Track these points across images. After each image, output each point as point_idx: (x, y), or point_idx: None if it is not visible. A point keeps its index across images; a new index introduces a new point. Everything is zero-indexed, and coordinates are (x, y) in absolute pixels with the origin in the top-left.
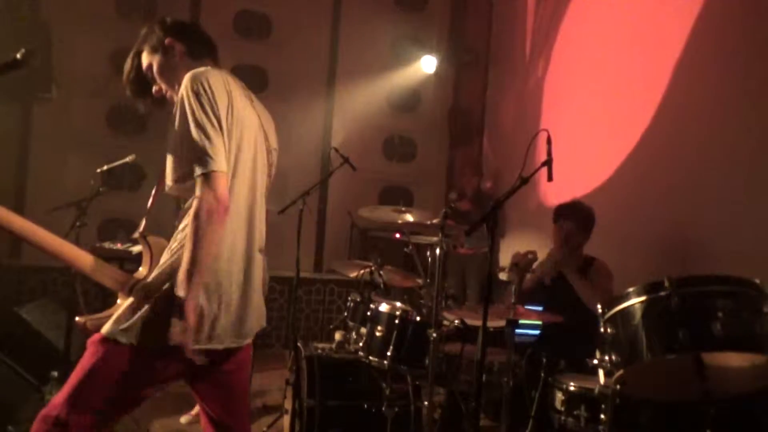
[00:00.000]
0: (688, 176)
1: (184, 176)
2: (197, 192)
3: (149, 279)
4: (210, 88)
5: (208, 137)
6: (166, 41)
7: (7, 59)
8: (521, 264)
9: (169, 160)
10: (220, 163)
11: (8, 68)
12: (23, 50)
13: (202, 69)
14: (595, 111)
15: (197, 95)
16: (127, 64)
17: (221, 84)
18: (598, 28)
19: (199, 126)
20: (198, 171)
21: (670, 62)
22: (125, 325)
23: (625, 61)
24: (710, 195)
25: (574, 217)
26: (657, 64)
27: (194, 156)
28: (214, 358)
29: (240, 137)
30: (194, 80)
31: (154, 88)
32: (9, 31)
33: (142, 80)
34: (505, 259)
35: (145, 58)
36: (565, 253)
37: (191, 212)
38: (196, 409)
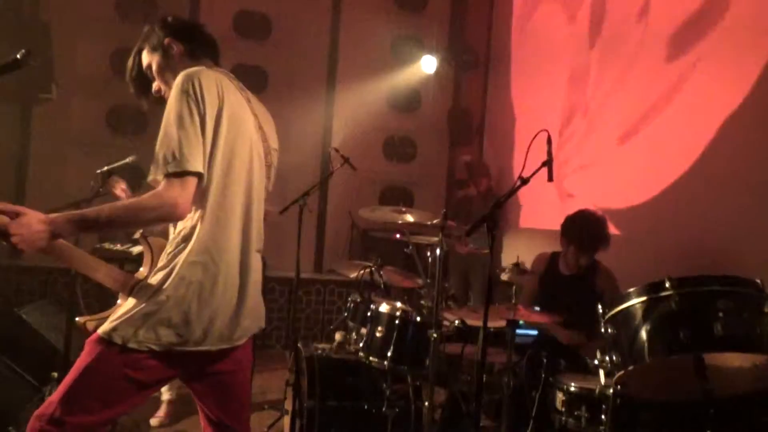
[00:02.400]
0: (692, 176)
1: (161, 171)
2: (164, 185)
3: (149, 280)
4: (200, 88)
5: (187, 137)
6: (166, 41)
7: (7, 59)
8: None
9: (155, 154)
10: (196, 164)
11: (8, 68)
12: (23, 51)
13: (195, 69)
14: (596, 111)
15: (185, 94)
16: (129, 62)
17: (213, 85)
18: (599, 26)
19: (181, 125)
20: (171, 168)
21: (671, 65)
22: (119, 325)
23: (627, 61)
24: (711, 193)
25: (576, 242)
26: (660, 62)
27: (171, 153)
28: (209, 359)
29: (233, 139)
30: (186, 80)
31: (154, 87)
32: (9, 32)
33: (143, 78)
34: (507, 259)
35: (146, 57)
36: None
37: (151, 195)
38: (163, 410)
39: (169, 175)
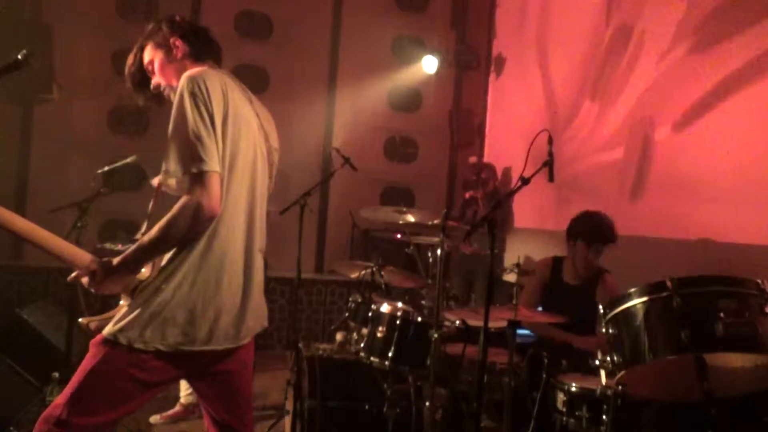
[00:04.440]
0: (692, 173)
1: (176, 174)
2: (187, 190)
3: (152, 280)
4: (206, 89)
5: (200, 138)
6: (171, 40)
7: (9, 60)
8: None
9: (165, 158)
10: (213, 163)
11: (10, 69)
12: (24, 51)
13: (199, 70)
14: (600, 109)
15: (193, 96)
16: (130, 58)
17: (218, 85)
18: (598, 25)
19: (193, 126)
20: (190, 170)
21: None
22: (124, 326)
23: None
24: (711, 192)
25: (584, 236)
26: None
27: (187, 155)
28: (214, 359)
29: (237, 138)
30: (191, 81)
31: (153, 83)
32: (11, 33)
33: (143, 74)
34: (510, 259)
35: (148, 53)
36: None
37: (176, 206)
38: (170, 411)
39: (190, 178)
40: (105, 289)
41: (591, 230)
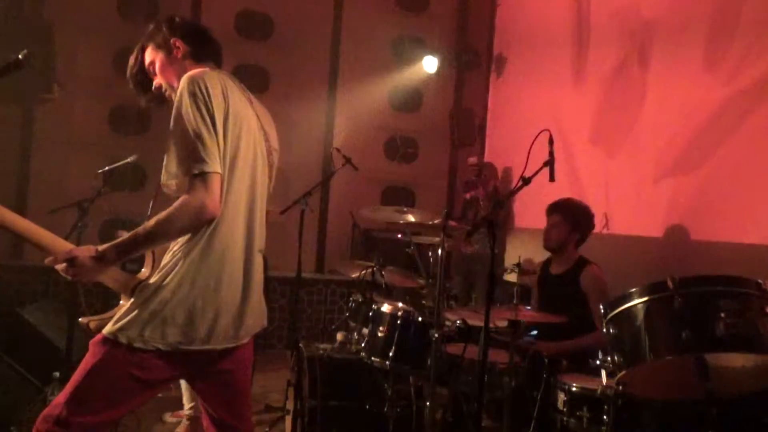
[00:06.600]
0: (691, 176)
1: (177, 175)
2: (188, 191)
3: (151, 280)
4: (206, 89)
5: (201, 138)
6: (172, 41)
7: (9, 60)
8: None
9: (165, 159)
10: (214, 164)
11: (10, 69)
12: (25, 51)
13: (199, 70)
14: (597, 109)
15: (193, 96)
16: (131, 59)
17: (218, 86)
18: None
19: (194, 127)
20: (192, 171)
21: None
22: (124, 325)
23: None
24: (713, 193)
25: (562, 212)
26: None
27: (188, 156)
28: (213, 358)
29: (238, 138)
30: (191, 82)
31: (154, 84)
32: (11, 32)
33: (144, 75)
34: (510, 259)
35: (149, 55)
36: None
37: (177, 202)
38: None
39: (192, 179)
40: (86, 275)
41: (569, 211)
